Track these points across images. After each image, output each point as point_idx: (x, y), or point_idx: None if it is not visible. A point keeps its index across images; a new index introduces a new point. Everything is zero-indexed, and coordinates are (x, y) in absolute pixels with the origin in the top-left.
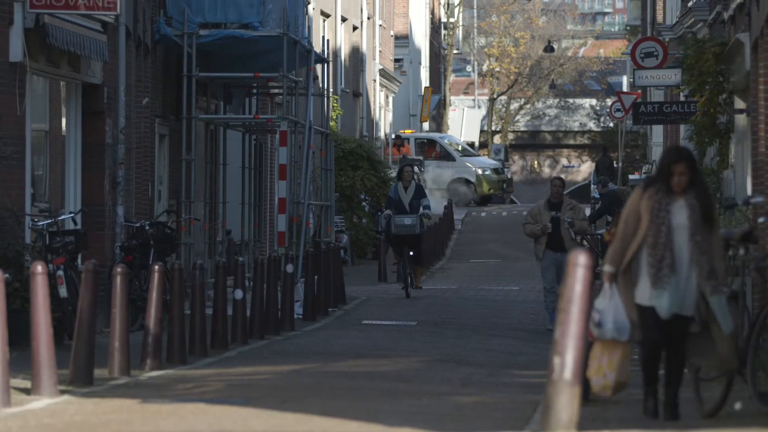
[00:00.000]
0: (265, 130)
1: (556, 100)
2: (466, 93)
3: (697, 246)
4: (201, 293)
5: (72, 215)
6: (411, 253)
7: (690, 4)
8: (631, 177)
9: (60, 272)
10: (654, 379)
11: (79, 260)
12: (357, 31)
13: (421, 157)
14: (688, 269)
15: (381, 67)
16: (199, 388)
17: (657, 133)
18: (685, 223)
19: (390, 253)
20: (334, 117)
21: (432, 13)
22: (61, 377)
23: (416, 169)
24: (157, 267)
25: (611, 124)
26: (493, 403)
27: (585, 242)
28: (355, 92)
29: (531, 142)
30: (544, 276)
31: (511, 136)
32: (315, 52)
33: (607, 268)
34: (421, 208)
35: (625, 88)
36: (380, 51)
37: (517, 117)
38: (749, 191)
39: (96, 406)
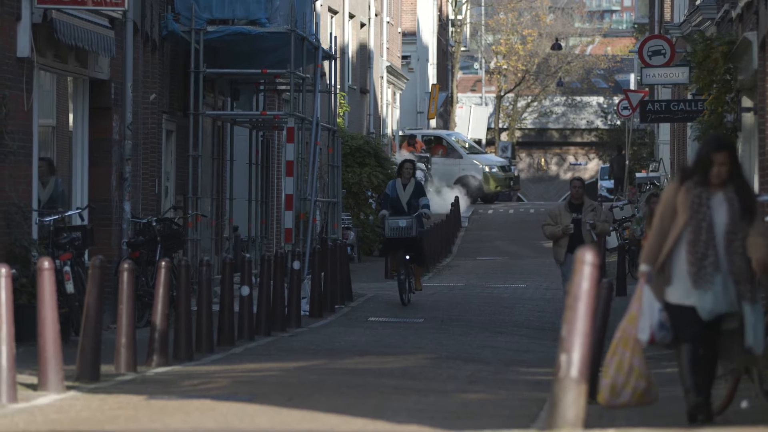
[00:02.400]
0: (272, 127)
1: (564, 98)
2: (473, 90)
3: (732, 246)
4: (208, 290)
5: (79, 211)
6: (407, 257)
7: (698, 2)
8: (638, 175)
9: (67, 268)
10: (703, 382)
11: (86, 256)
12: (364, 27)
13: (428, 155)
14: (728, 267)
15: (388, 63)
16: (206, 385)
17: (664, 131)
18: (724, 219)
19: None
20: (341, 114)
21: (439, 10)
22: (67, 373)
23: (423, 166)
24: (163, 263)
25: (618, 122)
26: (500, 401)
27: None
28: (362, 89)
29: (538, 140)
30: (566, 278)
31: (518, 133)
32: (322, 48)
33: (643, 267)
34: (419, 208)
35: (632, 86)
36: (388, 48)
37: (525, 114)
38: (756, 190)
39: (102, 402)
